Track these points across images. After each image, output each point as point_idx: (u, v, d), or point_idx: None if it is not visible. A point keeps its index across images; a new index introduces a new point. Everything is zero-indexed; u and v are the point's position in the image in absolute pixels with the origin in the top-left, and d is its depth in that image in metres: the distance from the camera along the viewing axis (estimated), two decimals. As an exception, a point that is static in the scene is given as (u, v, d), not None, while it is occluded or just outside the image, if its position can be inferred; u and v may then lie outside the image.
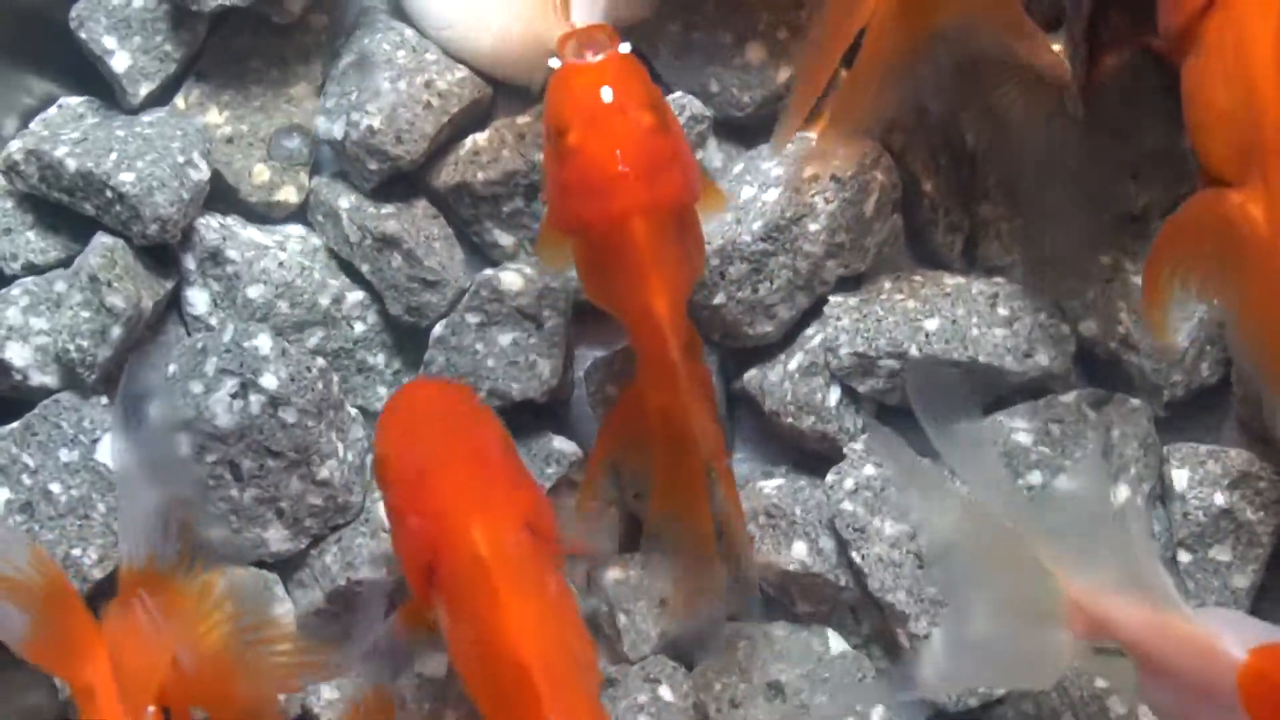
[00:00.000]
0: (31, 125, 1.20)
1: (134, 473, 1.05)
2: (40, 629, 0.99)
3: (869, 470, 1.13)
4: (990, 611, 0.99)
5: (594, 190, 0.98)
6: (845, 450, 1.15)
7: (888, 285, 1.17)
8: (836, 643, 1.16)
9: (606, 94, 0.98)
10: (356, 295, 1.20)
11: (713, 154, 1.21)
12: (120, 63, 1.20)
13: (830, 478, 1.15)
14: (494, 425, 1.04)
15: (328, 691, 1.14)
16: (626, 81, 0.99)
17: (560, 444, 1.16)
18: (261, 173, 1.22)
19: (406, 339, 1.21)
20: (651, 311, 0.99)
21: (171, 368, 1.14)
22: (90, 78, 1.23)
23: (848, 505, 1.13)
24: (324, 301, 1.19)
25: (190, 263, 1.18)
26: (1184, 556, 1.14)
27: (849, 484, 1.13)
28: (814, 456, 1.18)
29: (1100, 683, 1.12)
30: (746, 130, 1.22)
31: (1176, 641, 0.92)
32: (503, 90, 1.23)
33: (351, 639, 1.08)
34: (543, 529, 0.99)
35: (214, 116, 1.22)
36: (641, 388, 1.05)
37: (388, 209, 1.19)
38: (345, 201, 1.19)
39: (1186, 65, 0.99)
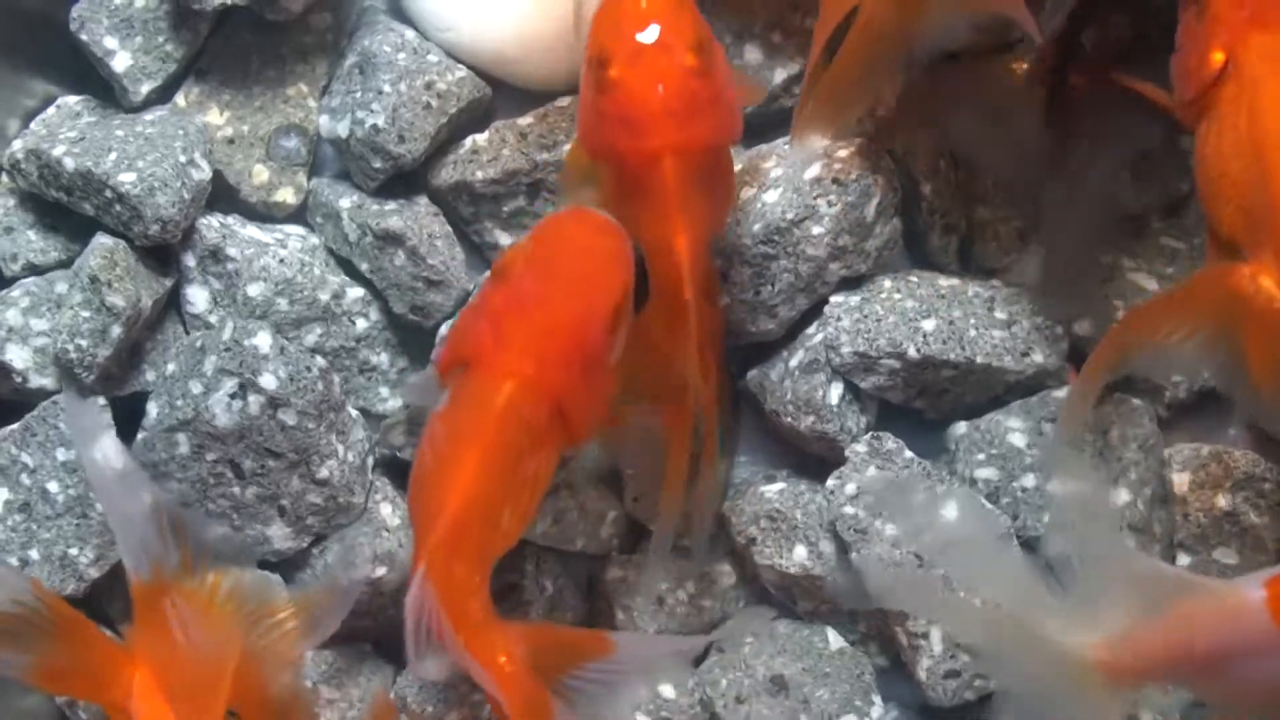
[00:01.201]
0: (32, 125, 1.20)
1: (115, 486, 1.04)
2: (55, 660, 0.98)
3: (870, 474, 1.14)
4: (1028, 701, 0.99)
5: (630, 125, 0.99)
6: (847, 453, 1.15)
7: (887, 285, 1.17)
8: (835, 639, 1.17)
9: (653, 30, 0.99)
10: (357, 292, 1.20)
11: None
12: (121, 63, 1.20)
13: (831, 482, 1.14)
14: (617, 294, 1.00)
15: (327, 692, 1.14)
16: (674, 18, 0.99)
17: (562, 445, 1.16)
18: (261, 173, 1.22)
19: (411, 338, 1.21)
20: (673, 249, 1.00)
21: (171, 367, 1.14)
22: (91, 77, 1.22)
23: (849, 509, 1.13)
24: (324, 297, 1.18)
25: (190, 260, 1.18)
26: (1183, 559, 1.14)
27: (850, 488, 1.13)
28: (815, 460, 1.18)
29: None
30: (747, 130, 1.21)
31: (1205, 628, 0.92)
32: (503, 91, 1.23)
33: (341, 593, 1.09)
34: (572, 418, 0.98)
35: (214, 116, 1.22)
36: (649, 321, 1.05)
37: (390, 205, 1.19)
38: (345, 201, 1.19)
39: (1199, 133, 1.00)
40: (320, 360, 1.14)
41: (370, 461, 1.17)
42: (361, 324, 1.20)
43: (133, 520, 1.01)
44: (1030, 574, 1.00)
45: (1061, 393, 1.16)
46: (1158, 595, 0.94)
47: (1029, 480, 1.15)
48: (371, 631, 1.16)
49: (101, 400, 1.13)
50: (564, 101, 1.21)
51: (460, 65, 1.21)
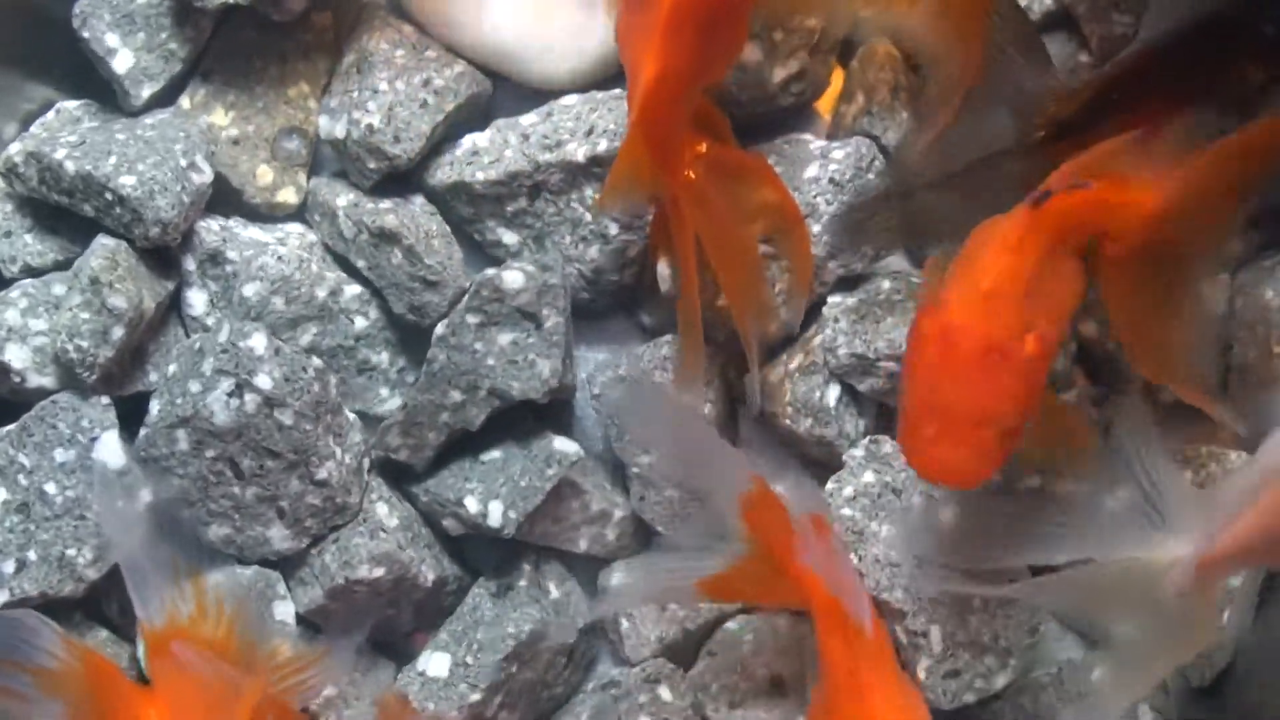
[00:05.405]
0: (31, 129, 1.20)
1: (130, 531, 1.04)
2: (86, 711, 0.98)
3: (868, 477, 1.13)
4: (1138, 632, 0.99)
5: None
6: (845, 458, 1.15)
7: (886, 285, 1.17)
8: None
9: None
10: (354, 289, 1.20)
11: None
12: (122, 63, 1.20)
13: (830, 485, 1.14)
14: None
15: (326, 689, 1.14)
16: None
17: (561, 444, 1.16)
18: (265, 174, 1.22)
19: (410, 336, 1.20)
20: (640, 71, 0.99)
21: (172, 368, 1.14)
22: (91, 81, 1.22)
23: (847, 511, 1.13)
24: (321, 294, 1.18)
25: (190, 264, 1.18)
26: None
27: (848, 491, 1.13)
28: (815, 464, 1.17)
29: (1098, 677, 1.13)
30: (745, 129, 1.21)
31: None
32: (504, 87, 1.23)
33: (345, 638, 1.10)
34: None
35: (219, 118, 1.22)
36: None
37: (385, 204, 1.19)
38: (342, 199, 1.19)
39: None
40: (316, 361, 1.14)
41: (366, 463, 1.17)
42: (361, 322, 1.20)
43: (146, 567, 1.01)
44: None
45: (1067, 395, 1.16)
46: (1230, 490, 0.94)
47: (1034, 481, 1.14)
48: (370, 630, 1.16)
49: (105, 399, 1.14)
50: (568, 100, 1.20)
51: (460, 60, 1.21)
